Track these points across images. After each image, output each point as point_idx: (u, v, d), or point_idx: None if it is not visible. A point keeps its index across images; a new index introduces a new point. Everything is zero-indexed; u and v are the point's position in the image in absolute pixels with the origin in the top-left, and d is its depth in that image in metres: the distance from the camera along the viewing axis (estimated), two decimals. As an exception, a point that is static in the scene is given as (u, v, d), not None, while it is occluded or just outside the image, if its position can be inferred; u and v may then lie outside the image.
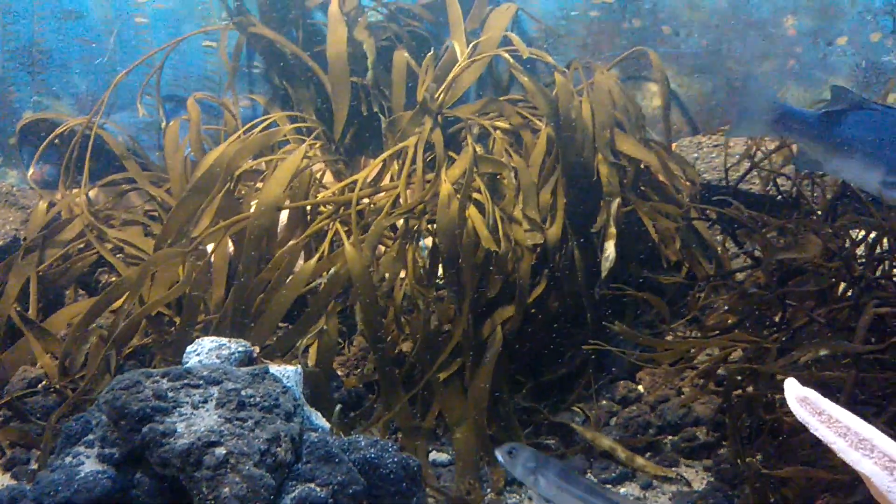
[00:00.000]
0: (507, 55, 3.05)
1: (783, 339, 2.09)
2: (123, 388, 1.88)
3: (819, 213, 2.27)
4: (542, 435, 2.63)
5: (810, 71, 3.28)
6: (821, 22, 3.23)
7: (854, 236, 2.13)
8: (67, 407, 2.51)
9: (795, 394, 1.15)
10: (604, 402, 2.71)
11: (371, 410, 2.65)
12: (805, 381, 1.89)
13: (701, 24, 3.36)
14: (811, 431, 1.12)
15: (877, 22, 3.16)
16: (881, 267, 2.15)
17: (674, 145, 3.23)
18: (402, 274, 2.72)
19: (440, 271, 2.73)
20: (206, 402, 1.93)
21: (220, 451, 1.76)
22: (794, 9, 3.25)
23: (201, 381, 1.98)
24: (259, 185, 3.01)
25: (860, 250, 2.09)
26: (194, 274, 2.66)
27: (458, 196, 2.60)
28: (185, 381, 1.96)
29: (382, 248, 2.83)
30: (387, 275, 2.70)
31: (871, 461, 1.06)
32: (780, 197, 2.56)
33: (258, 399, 1.96)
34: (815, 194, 2.60)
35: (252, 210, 2.75)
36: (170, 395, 1.92)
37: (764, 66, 3.33)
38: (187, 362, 2.22)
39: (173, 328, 2.75)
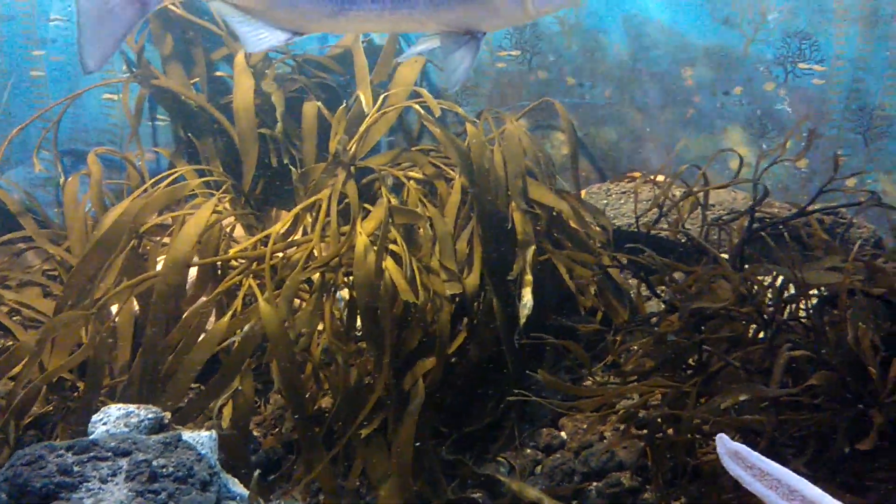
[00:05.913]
0: (417, 107, 3.06)
1: (700, 382, 2.14)
2: (25, 464, 1.79)
3: (726, 258, 2.34)
4: (469, 488, 2.60)
5: (708, 119, 3.42)
6: (717, 72, 3.37)
7: (762, 280, 2.21)
8: (-40, 485, 2.33)
9: (727, 448, 1.18)
10: (528, 450, 2.69)
11: (291, 471, 2.56)
12: (726, 427, 1.95)
13: (603, 75, 3.46)
14: (743, 485, 1.14)
15: (770, 72, 3.33)
16: (787, 309, 2.24)
17: (583, 192, 3.30)
18: (320, 327, 2.66)
19: (358, 324, 2.68)
20: (115, 475, 1.85)
21: (133, 527, 1.68)
22: (692, 60, 3.39)
23: (109, 453, 1.89)
24: (166, 240, 2.91)
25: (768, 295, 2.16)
26: (98, 337, 2.54)
27: (375, 248, 2.58)
28: (92, 454, 1.87)
29: (298, 302, 2.77)
30: (304, 330, 2.63)
31: (801, 512, 1.08)
32: (688, 242, 2.64)
33: (171, 469, 1.88)
34: (723, 239, 2.69)
35: (159, 268, 2.65)
36: (76, 469, 1.82)
37: (664, 115, 3.45)
38: (93, 432, 2.11)
39: (76, 393, 2.61)
